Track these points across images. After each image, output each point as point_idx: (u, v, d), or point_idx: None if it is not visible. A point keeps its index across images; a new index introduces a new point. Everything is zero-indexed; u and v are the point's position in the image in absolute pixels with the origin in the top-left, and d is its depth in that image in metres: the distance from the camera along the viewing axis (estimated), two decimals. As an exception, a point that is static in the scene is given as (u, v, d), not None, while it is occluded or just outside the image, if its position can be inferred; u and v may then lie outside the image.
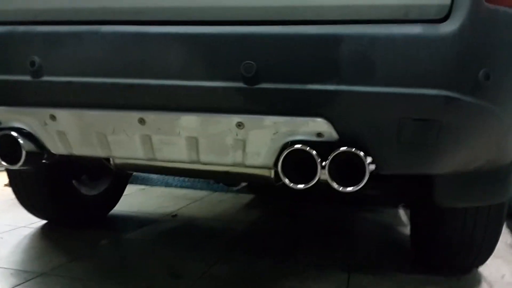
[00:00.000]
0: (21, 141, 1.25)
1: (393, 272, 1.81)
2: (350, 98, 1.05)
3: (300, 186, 1.13)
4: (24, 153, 1.26)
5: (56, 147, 1.29)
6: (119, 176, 2.49)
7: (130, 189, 2.87)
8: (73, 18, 1.15)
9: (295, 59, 1.05)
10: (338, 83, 1.04)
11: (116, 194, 2.53)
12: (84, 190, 2.28)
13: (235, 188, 1.95)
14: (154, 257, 1.88)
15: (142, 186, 3.49)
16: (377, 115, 1.07)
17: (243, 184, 1.91)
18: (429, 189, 1.46)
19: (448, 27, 1.02)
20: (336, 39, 1.03)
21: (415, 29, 1.03)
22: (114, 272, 1.69)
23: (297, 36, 1.05)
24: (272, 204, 3.11)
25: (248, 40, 1.06)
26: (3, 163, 1.29)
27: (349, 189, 1.11)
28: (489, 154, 1.27)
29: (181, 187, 3.50)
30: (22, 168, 1.32)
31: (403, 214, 2.90)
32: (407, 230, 2.42)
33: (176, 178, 3.58)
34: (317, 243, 2.20)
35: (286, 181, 1.13)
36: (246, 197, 3.24)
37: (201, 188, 3.44)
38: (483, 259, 1.83)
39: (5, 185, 3.22)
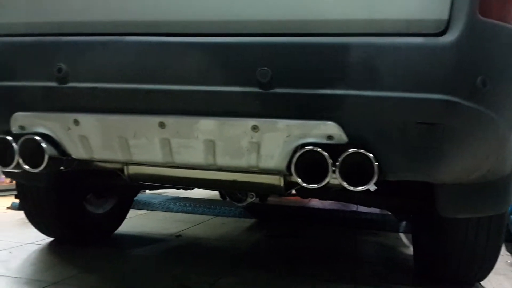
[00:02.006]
0: (44, 145, 1.31)
1: (398, 286, 1.84)
2: (358, 102, 1.13)
3: (313, 185, 1.19)
4: (46, 157, 1.31)
5: (78, 151, 1.35)
6: (124, 196, 2.54)
7: (131, 213, 2.89)
8: (99, 31, 1.24)
9: (308, 66, 1.14)
10: (347, 88, 1.12)
11: (121, 214, 2.56)
12: (91, 209, 2.32)
13: (240, 205, 2.00)
14: (162, 271, 1.90)
15: (144, 211, 3.51)
16: (383, 118, 1.14)
17: (250, 200, 1.95)
18: (432, 201, 1.52)
19: (447, 39, 1.11)
20: (345, 48, 1.12)
21: (417, 40, 1.12)
22: (124, 284, 1.71)
23: (309, 45, 1.14)
24: (273, 227, 3.14)
25: (264, 48, 1.15)
26: (26, 166, 1.33)
27: (360, 188, 1.17)
28: (489, 163, 1.33)
29: (182, 211, 3.52)
30: (42, 171, 1.36)
31: (403, 237, 2.94)
32: (409, 250, 2.46)
33: (177, 203, 3.61)
34: (322, 261, 2.23)
35: (299, 181, 1.19)
36: (247, 221, 3.27)
37: (202, 213, 3.47)
38: (485, 273, 1.87)
39: (7, 207, 3.24)
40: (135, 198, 2.90)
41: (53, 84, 1.25)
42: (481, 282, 1.93)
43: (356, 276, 1.95)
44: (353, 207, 3.67)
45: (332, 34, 1.14)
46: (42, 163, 1.32)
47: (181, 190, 3.51)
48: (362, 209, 3.48)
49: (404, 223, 3.02)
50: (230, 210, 3.43)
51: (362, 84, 1.12)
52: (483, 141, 1.23)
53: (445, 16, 1.12)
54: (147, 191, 3.63)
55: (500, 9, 1.15)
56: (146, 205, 3.58)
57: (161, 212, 3.53)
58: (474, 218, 1.68)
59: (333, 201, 3.11)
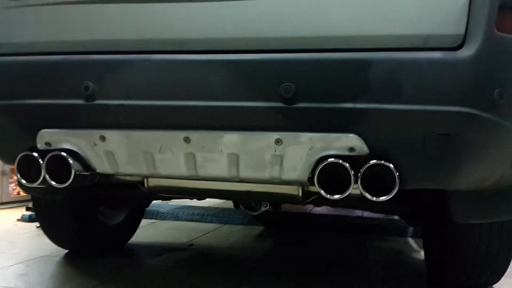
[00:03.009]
0: (71, 161, 1.34)
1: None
2: (379, 115, 1.17)
3: (336, 196, 1.22)
4: (73, 173, 1.34)
5: (103, 166, 1.38)
6: (136, 207, 2.57)
7: (141, 223, 2.92)
8: (125, 49, 1.27)
9: (330, 81, 1.17)
10: (369, 102, 1.16)
11: (133, 224, 2.59)
12: (105, 220, 2.34)
13: (254, 213, 2.03)
14: (177, 280, 1.93)
15: (153, 220, 3.54)
16: (404, 130, 1.18)
17: (264, 208, 1.98)
18: (445, 207, 1.56)
19: (464, 53, 1.15)
20: (366, 63, 1.16)
21: (436, 55, 1.16)
22: (143, 294, 1.74)
23: (331, 61, 1.18)
24: (282, 234, 3.17)
25: (287, 64, 1.18)
26: (52, 182, 1.36)
27: (382, 198, 1.21)
28: (503, 170, 1.37)
29: (191, 220, 3.55)
30: (67, 187, 1.39)
31: (412, 242, 2.98)
32: (419, 255, 2.49)
33: (186, 211, 3.64)
34: (335, 267, 2.26)
35: (322, 192, 1.22)
36: (256, 229, 3.30)
37: (211, 221, 3.50)
38: (497, 277, 1.90)
39: (18, 220, 3.26)
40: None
41: (80, 101, 1.28)
42: (494, 285, 1.96)
43: (371, 280, 1.98)
44: (359, 212, 3.71)
45: (353, 49, 1.18)
46: (68, 178, 1.35)
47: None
48: (367, 214, 3.52)
49: (411, 228, 3.06)
50: (238, 218, 3.45)
51: (383, 98, 1.16)
52: (498, 150, 1.27)
53: (461, 31, 1.15)
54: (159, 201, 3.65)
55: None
56: (155, 215, 3.60)
57: (169, 221, 3.56)
58: (487, 223, 1.72)
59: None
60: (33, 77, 1.33)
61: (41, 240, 2.28)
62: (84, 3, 1.28)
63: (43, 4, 1.33)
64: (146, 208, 3.41)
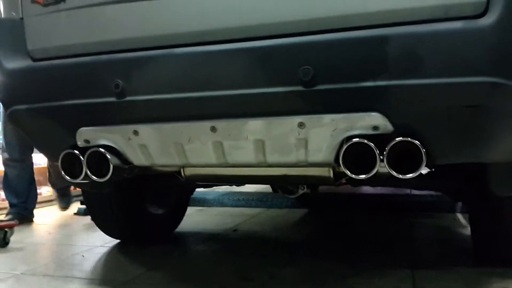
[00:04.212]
0: (109, 156, 1.42)
1: (457, 267, 1.84)
2: (401, 92, 1.15)
3: (362, 176, 1.22)
4: (111, 167, 1.43)
5: (139, 159, 1.45)
6: (181, 195, 2.66)
7: (188, 210, 3.03)
8: (149, 45, 1.32)
9: (348, 61, 1.17)
10: (389, 79, 1.15)
11: (180, 212, 2.69)
12: (152, 210, 2.45)
13: (292, 196, 2.06)
14: (223, 264, 2.00)
15: (200, 208, 3.65)
16: (429, 105, 1.16)
17: (301, 191, 2.01)
18: (485, 180, 1.51)
19: (487, 21, 1.10)
20: (383, 40, 1.14)
21: (457, 24, 1.12)
22: (189, 278, 1.82)
23: (347, 40, 1.17)
24: (326, 216, 3.18)
25: (304, 47, 1.19)
26: (93, 177, 1.45)
27: (409, 175, 1.20)
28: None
29: (236, 206, 3.63)
30: (106, 181, 1.47)
31: (461, 217, 2.90)
32: (466, 231, 2.43)
33: (231, 197, 3.72)
34: (378, 247, 2.26)
35: (348, 172, 1.23)
36: (300, 212, 3.33)
37: (255, 206, 3.56)
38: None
39: (74, 213, 3.46)
40: (192, 196, 3.03)
41: (112, 99, 1.35)
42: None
43: (415, 259, 1.96)
44: (407, 190, 3.64)
45: (369, 26, 1.16)
46: (108, 172, 1.43)
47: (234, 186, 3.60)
48: (416, 191, 3.45)
49: (460, 203, 2.97)
50: (282, 202, 3.50)
51: (404, 73, 1.14)
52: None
53: None
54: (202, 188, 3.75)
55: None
56: (202, 202, 3.72)
57: (215, 207, 3.66)
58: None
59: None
60: (68, 79, 1.42)
61: (95, 232, 2.43)
62: (103, 4, 1.34)
63: (69, 9, 1.40)
64: (193, 196, 3.54)
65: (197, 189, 3.84)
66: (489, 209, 1.82)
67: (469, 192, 2.00)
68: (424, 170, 2.06)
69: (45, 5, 1.45)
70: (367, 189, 3.92)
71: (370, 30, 1.16)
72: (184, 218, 2.75)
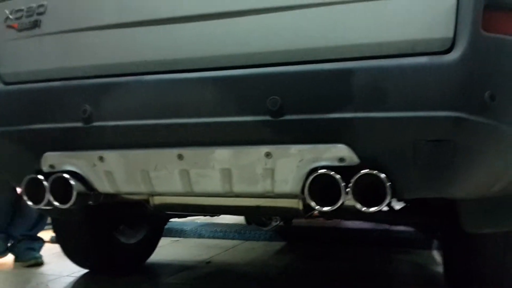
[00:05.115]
0: (72, 182, 1.39)
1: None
2: (367, 124, 1.16)
3: (327, 208, 1.21)
4: (75, 193, 1.39)
5: (104, 186, 1.42)
6: (154, 225, 2.61)
7: (164, 241, 2.97)
8: (118, 72, 1.32)
9: (315, 92, 1.18)
10: (355, 111, 1.15)
11: (152, 243, 2.62)
12: (123, 239, 2.39)
13: (265, 229, 2.03)
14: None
15: (176, 238, 3.58)
16: (393, 138, 1.16)
17: (274, 223, 1.98)
18: (456, 216, 1.51)
19: (452, 57, 1.12)
20: (350, 73, 1.15)
21: (423, 60, 1.14)
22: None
23: (314, 72, 1.18)
24: (304, 249, 3.13)
25: (272, 78, 1.20)
26: (56, 203, 1.42)
27: (372, 209, 1.19)
28: (510, 175, 1.32)
29: (214, 237, 3.57)
30: (70, 207, 1.43)
31: (437, 255, 2.88)
32: (440, 268, 2.41)
33: (208, 229, 3.66)
34: (357, 282, 2.22)
35: (313, 204, 1.22)
36: (277, 244, 3.28)
37: (233, 238, 3.50)
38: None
39: (46, 241, 3.36)
40: (167, 226, 2.98)
41: (79, 124, 1.33)
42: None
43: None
44: (386, 225, 3.62)
45: (337, 59, 1.18)
46: (70, 199, 1.40)
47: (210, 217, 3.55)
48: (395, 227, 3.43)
49: (436, 240, 2.96)
50: (260, 234, 3.44)
51: (369, 106, 1.15)
52: (497, 154, 1.23)
53: (450, 34, 1.13)
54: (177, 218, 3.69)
55: (502, 23, 1.16)
56: (178, 233, 3.64)
57: (192, 238, 3.59)
58: (501, 233, 1.65)
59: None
60: (35, 103, 1.40)
61: (65, 261, 2.34)
62: (78, 31, 1.34)
63: (43, 34, 1.40)
64: (170, 226, 3.48)
65: (175, 219, 3.81)
66: (458, 246, 1.81)
67: (441, 229, 2.00)
68: (398, 205, 2.07)
69: (20, 30, 1.45)
70: (347, 224, 3.90)
71: (337, 63, 1.18)
72: (158, 248, 2.68)
